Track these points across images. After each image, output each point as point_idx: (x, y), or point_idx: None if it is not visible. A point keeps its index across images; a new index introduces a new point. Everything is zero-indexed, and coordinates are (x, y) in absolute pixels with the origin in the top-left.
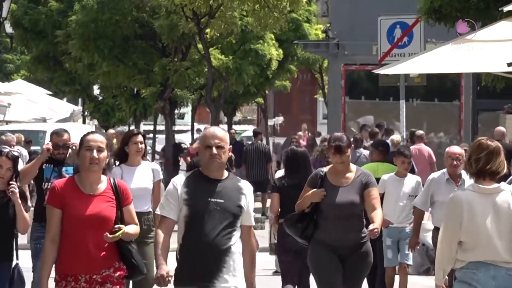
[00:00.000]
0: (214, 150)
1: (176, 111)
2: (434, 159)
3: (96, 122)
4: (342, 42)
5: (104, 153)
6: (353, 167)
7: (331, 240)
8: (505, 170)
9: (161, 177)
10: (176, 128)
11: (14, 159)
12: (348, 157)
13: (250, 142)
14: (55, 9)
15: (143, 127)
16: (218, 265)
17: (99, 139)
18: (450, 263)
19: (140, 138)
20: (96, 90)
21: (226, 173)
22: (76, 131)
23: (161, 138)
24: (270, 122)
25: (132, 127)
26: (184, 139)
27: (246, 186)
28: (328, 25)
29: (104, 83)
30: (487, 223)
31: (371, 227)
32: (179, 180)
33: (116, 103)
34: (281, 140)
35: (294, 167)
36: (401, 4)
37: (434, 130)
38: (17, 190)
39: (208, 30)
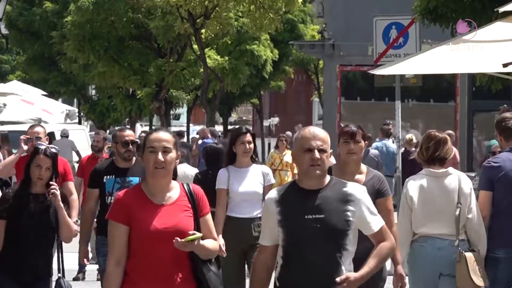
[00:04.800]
0: (317, 154)
1: (171, 112)
2: (458, 159)
3: (91, 122)
4: (337, 42)
5: (172, 154)
6: (364, 167)
7: None
8: (452, 155)
9: (273, 181)
10: (172, 129)
11: (53, 157)
12: (361, 149)
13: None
14: (50, 10)
15: (138, 127)
16: None
17: (164, 137)
18: (408, 237)
19: (248, 137)
20: (91, 91)
21: (327, 179)
22: (72, 132)
23: None
24: (266, 123)
25: (128, 127)
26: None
27: (354, 189)
28: (324, 25)
29: (100, 83)
30: (435, 202)
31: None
32: (271, 197)
33: (111, 103)
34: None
35: (215, 161)
36: (396, 5)
37: None
38: (58, 192)
39: (203, 31)
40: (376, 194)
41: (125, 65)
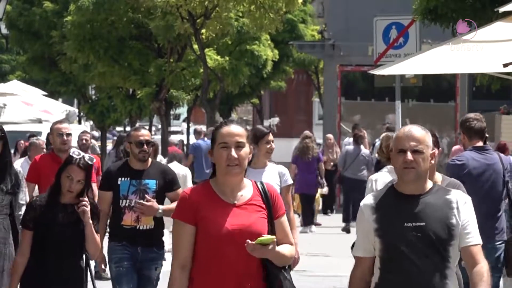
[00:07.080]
0: (409, 156)
1: (171, 112)
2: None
3: (91, 122)
4: (337, 43)
5: (246, 149)
6: (438, 176)
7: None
8: None
9: (290, 182)
10: (172, 129)
11: (87, 169)
12: (434, 156)
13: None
14: (50, 10)
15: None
16: None
17: (236, 131)
18: None
19: (271, 136)
20: (91, 91)
21: (429, 184)
22: (72, 132)
23: (156, 138)
24: (266, 123)
25: (128, 128)
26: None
27: (458, 197)
28: (324, 26)
29: (100, 83)
30: None
31: None
32: (366, 203)
33: (111, 104)
34: (278, 141)
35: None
36: (396, 5)
37: None
38: (88, 208)
39: (203, 31)
40: None
41: (125, 65)
